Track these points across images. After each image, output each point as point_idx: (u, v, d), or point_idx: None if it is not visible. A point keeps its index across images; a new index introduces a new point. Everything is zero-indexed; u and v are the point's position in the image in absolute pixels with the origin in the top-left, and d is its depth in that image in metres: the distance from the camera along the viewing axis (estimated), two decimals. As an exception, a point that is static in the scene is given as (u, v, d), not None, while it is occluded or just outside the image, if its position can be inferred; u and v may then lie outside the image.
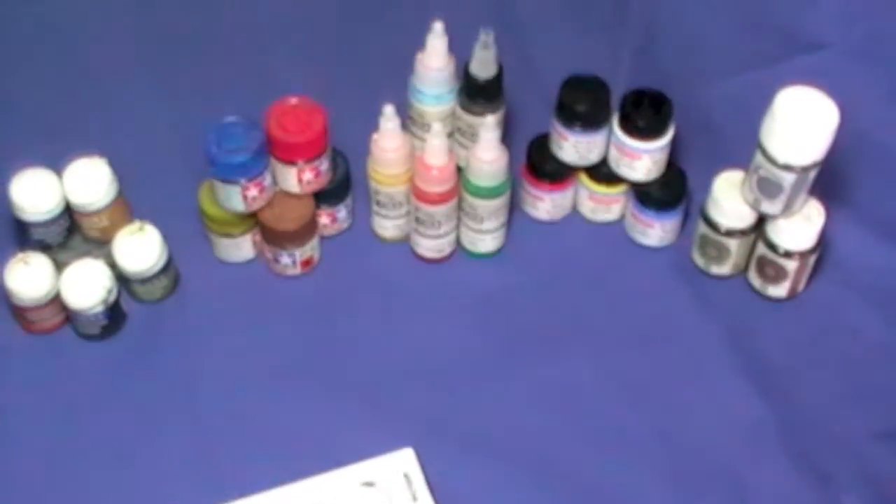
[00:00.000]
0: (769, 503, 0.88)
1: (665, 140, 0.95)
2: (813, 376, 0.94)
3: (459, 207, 0.97)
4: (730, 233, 0.96)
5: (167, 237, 0.96)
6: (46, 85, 1.11)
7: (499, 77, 0.95)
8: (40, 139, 1.05)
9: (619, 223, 1.03)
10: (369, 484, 0.86)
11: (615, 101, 0.96)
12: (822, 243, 0.95)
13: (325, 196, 0.98)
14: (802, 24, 0.98)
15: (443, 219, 0.96)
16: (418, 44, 0.95)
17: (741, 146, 0.92)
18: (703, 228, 0.97)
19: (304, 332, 0.96)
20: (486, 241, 0.99)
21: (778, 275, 0.96)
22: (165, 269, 0.96)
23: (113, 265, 0.94)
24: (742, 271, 0.99)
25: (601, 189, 1.00)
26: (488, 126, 0.92)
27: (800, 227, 0.93)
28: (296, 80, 1.03)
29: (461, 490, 0.87)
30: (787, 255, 0.94)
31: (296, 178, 0.94)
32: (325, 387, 0.93)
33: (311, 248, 0.98)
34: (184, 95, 1.09)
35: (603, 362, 0.95)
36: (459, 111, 0.97)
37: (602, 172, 0.99)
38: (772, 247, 0.95)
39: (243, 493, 0.86)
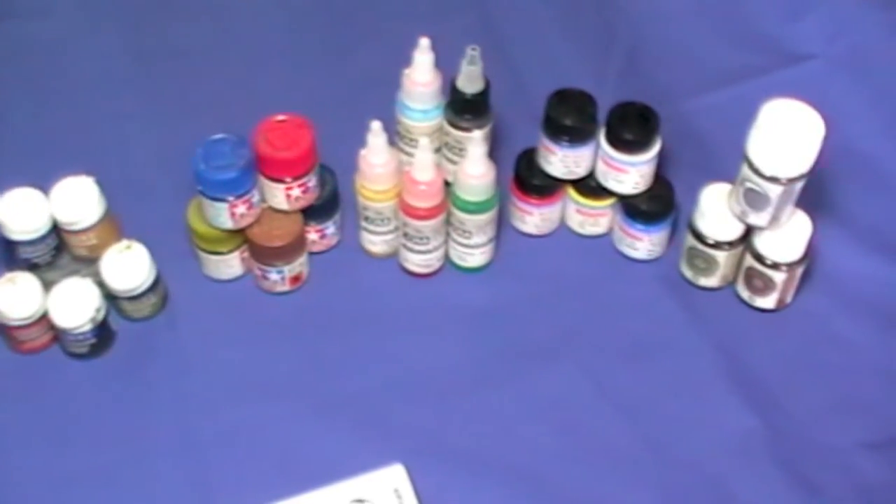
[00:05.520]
0: (759, 515, 0.89)
1: (652, 153, 0.96)
2: (802, 387, 0.94)
3: (448, 222, 0.97)
4: (717, 245, 0.96)
5: (155, 255, 0.95)
6: (33, 103, 1.11)
7: (486, 92, 0.95)
8: (27, 158, 1.05)
9: (607, 236, 1.03)
10: (360, 501, 0.85)
11: (602, 114, 0.96)
12: (810, 254, 0.95)
13: (314, 212, 0.98)
14: (787, 36, 0.98)
15: (431, 234, 0.96)
16: (405, 59, 0.95)
17: (728, 158, 0.93)
18: (690, 241, 0.97)
19: (293, 349, 0.96)
20: (474, 255, 0.99)
21: (766, 286, 0.96)
22: (154, 287, 0.95)
23: (101, 283, 0.94)
24: (730, 283, 0.99)
25: (589, 202, 1.00)
26: (476, 141, 0.92)
27: (787, 239, 0.94)
28: (283, 96, 1.03)
29: (452, 505, 0.87)
30: (775, 266, 0.94)
31: (284, 195, 0.94)
32: (314, 403, 0.93)
33: (299, 265, 0.98)
34: (171, 113, 1.09)
35: (592, 375, 0.95)
36: (447, 126, 0.97)
37: (590, 186, 0.99)
38: (759, 258, 0.95)
39: (233, 510, 0.86)
